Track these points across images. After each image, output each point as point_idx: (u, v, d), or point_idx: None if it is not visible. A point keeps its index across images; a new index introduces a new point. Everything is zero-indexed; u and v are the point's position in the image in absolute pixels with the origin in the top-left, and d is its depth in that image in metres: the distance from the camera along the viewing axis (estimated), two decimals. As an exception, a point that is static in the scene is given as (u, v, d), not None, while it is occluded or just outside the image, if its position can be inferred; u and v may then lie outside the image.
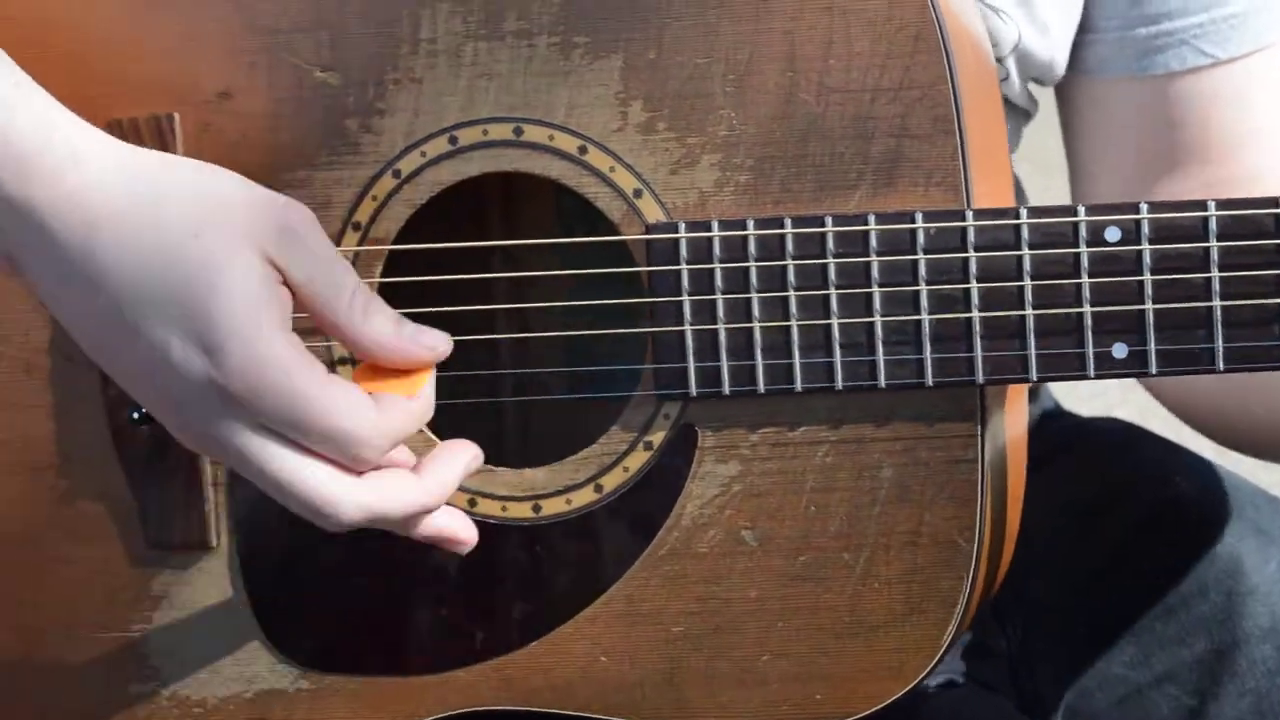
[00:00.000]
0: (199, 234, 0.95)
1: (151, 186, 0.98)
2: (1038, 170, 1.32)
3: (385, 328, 0.98)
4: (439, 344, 0.99)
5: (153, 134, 1.10)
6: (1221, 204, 1.00)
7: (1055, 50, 1.26)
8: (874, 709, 1.08)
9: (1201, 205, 1.00)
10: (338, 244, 1.09)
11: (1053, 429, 1.41)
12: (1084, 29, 1.27)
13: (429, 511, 1.00)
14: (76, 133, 0.99)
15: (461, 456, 1.02)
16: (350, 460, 0.95)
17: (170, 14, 1.11)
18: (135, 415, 1.11)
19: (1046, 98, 1.36)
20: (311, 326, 0.98)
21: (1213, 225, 0.99)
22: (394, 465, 0.98)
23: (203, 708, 1.15)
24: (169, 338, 0.94)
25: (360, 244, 1.09)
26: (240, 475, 1.04)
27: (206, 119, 1.10)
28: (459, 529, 1.02)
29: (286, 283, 0.96)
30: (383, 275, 1.09)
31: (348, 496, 0.96)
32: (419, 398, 0.98)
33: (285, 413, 0.94)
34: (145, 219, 0.96)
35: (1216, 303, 1.00)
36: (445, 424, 1.10)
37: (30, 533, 1.16)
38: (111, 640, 1.16)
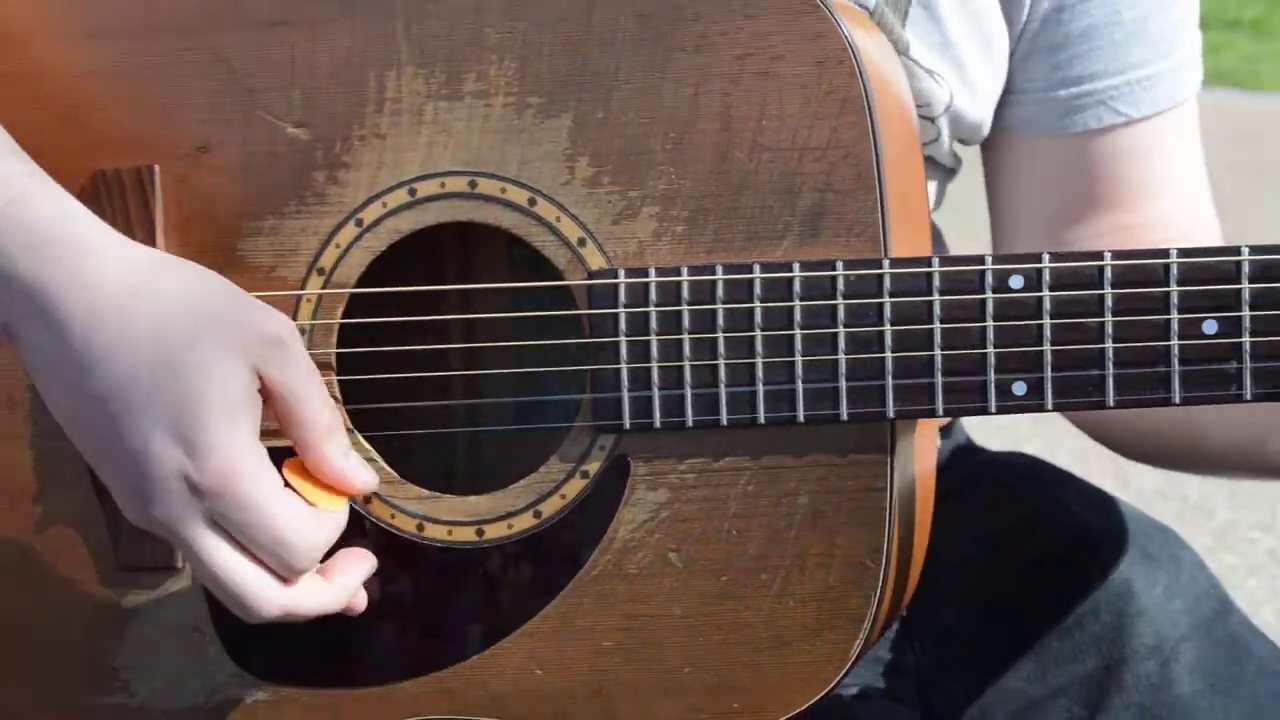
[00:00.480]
0: (194, 344, 0.97)
1: (155, 288, 1.00)
2: (960, 220, 1.33)
3: (339, 454, 1.02)
4: (370, 485, 1.05)
5: (134, 185, 1.10)
6: (1116, 254, 1.01)
7: (983, 110, 1.27)
8: (786, 717, 1.08)
9: (1099, 255, 1.01)
10: (302, 287, 1.09)
11: (964, 463, 1.42)
12: (1009, 90, 1.29)
13: (332, 612, 1.04)
14: (92, 225, 1.02)
15: (364, 563, 1.07)
16: (283, 567, 0.99)
17: (153, 73, 1.11)
18: None
19: (968, 155, 1.37)
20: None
21: (1108, 274, 1.01)
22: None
23: (168, 716, 1.14)
24: (152, 430, 0.97)
25: (324, 287, 1.09)
26: None
27: (184, 172, 1.10)
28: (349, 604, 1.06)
29: (266, 389, 0.99)
30: (344, 316, 1.09)
31: (272, 599, 1.00)
32: (343, 513, 1.03)
33: (243, 516, 0.98)
34: (146, 320, 0.98)
35: (1109, 345, 1.01)
36: (399, 453, 1.11)
37: (7, 555, 1.15)
38: (84, 654, 1.15)
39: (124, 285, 0.99)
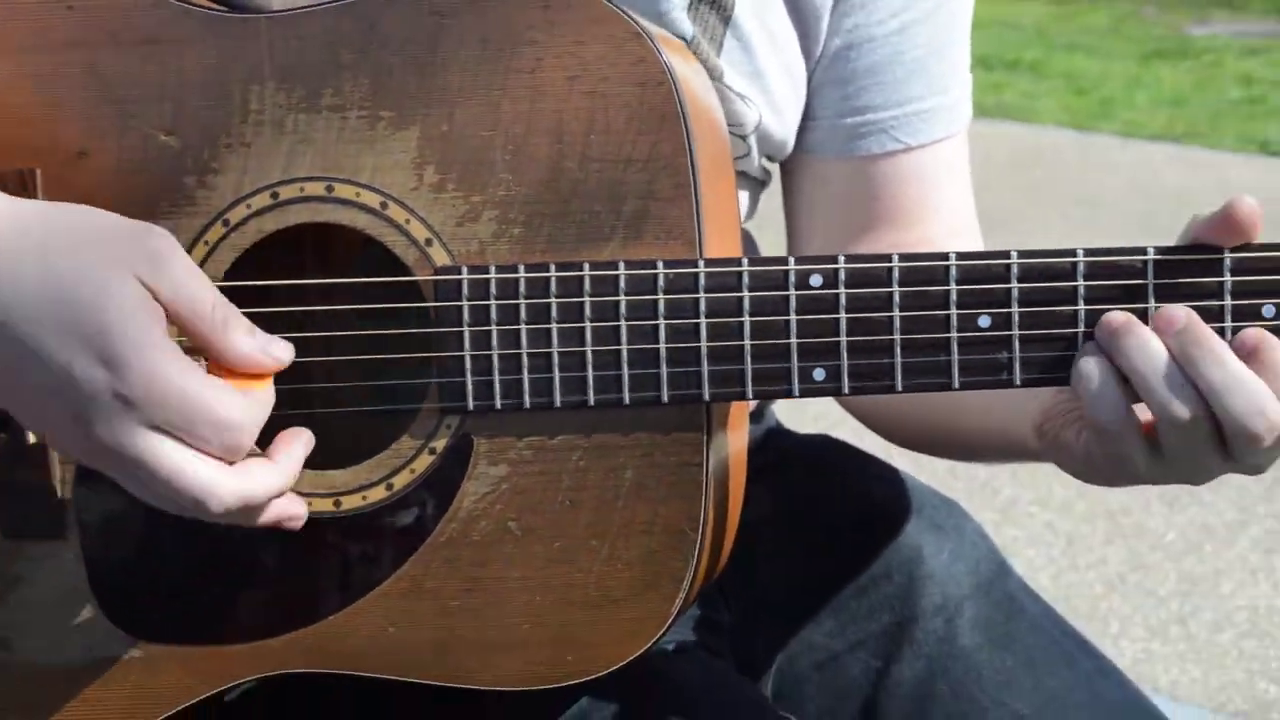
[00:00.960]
0: (81, 267, 0.95)
1: (38, 226, 0.98)
2: (770, 227, 1.36)
3: (244, 338, 1.00)
4: (284, 355, 1.02)
5: (16, 186, 1.08)
6: (903, 256, 1.04)
7: (788, 131, 1.29)
8: (615, 667, 1.10)
9: (888, 258, 1.04)
10: None
11: (774, 444, 1.44)
12: (806, 116, 1.31)
13: (283, 492, 1.02)
14: None
15: (302, 438, 1.04)
16: (227, 449, 0.97)
17: (36, 85, 1.10)
18: None
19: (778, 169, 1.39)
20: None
21: (896, 274, 1.04)
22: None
23: (50, 674, 1.13)
24: (71, 357, 0.94)
25: None
26: (87, 477, 1.06)
27: (64, 175, 1.09)
28: (296, 509, 1.04)
29: (157, 299, 0.96)
30: None
31: (225, 484, 0.97)
32: (269, 389, 1.01)
33: (178, 409, 0.95)
34: (33, 255, 0.96)
35: (897, 336, 1.04)
36: (264, 434, 1.11)
37: None
38: None
39: (9, 232, 0.97)
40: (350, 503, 1.10)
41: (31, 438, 1.10)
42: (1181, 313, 0.99)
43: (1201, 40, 11.15)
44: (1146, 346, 0.99)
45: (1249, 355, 0.99)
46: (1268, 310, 1.02)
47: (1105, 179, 7.21)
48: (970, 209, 1.36)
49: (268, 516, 1.02)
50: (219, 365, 1.00)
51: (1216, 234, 1.02)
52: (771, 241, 1.34)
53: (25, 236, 0.97)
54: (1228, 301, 1.02)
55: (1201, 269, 1.02)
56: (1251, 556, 3.77)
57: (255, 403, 0.99)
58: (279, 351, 1.02)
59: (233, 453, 0.97)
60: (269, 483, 1.00)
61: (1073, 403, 1.06)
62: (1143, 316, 1.02)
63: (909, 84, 1.29)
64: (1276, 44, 11.00)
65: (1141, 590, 3.60)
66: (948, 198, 1.33)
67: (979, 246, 1.33)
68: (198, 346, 0.99)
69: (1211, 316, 1.01)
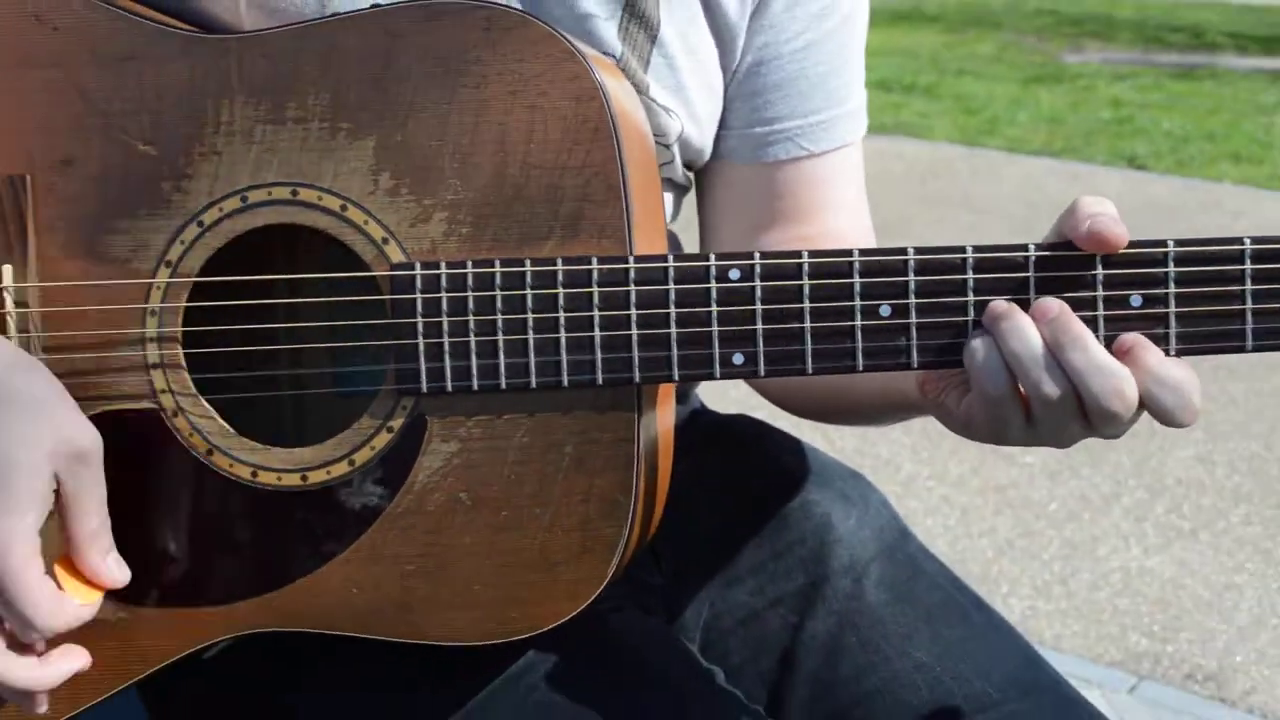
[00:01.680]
0: (15, 441, 0.99)
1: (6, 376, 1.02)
2: (692, 229, 1.36)
3: (99, 554, 1.04)
4: (123, 579, 1.05)
5: (8, 190, 1.09)
6: (812, 253, 1.04)
7: (706, 140, 1.29)
8: (555, 624, 1.09)
9: (799, 254, 1.04)
10: (153, 276, 1.09)
11: (699, 423, 1.43)
12: (720, 126, 1.30)
13: (31, 693, 1.04)
14: None
15: (78, 659, 1.07)
16: (21, 632, 1.01)
17: (24, 97, 1.09)
18: None
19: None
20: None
21: (805, 268, 1.03)
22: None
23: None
24: None
25: (171, 276, 1.08)
26: None
27: (52, 181, 1.09)
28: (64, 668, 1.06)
29: (58, 491, 1.00)
30: (188, 301, 1.09)
31: (16, 675, 1.02)
32: (92, 607, 1.04)
33: (3, 586, 0.98)
34: None
35: (808, 324, 1.04)
36: (242, 414, 1.11)
37: None
38: None
39: None
40: (316, 477, 1.09)
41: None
42: (1055, 304, 1.00)
43: (1076, 67, 11.26)
44: (1023, 332, 1.00)
45: (1125, 354, 1.00)
46: (1135, 300, 1.02)
47: (992, 189, 7.27)
48: (864, 207, 1.36)
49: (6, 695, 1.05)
50: (69, 562, 1.04)
51: (1077, 231, 1.02)
52: (694, 242, 1.33)
53: None
54: (1099, 292, 1.02)
55: (1078, 264, 1.02)
56: (1123, 524, 3.80)
57: (63, 612, 1.02)
58: (116, 577, 1.05)
59: (17, 640, 1.01)
60: (27, 676, 1.03)
61: (956, 372, 1.06)
62: (1025, 306, 1.02)
63: (812, 97, 1.29)
64: (1142, 70, 11.12)
65: (1027, 555, 3.63)
66: (846, 197, 1.33)
67: (872, 240, 1.34)
68: (66, 539, 1.03)
69: (1086, 305, 1.02)
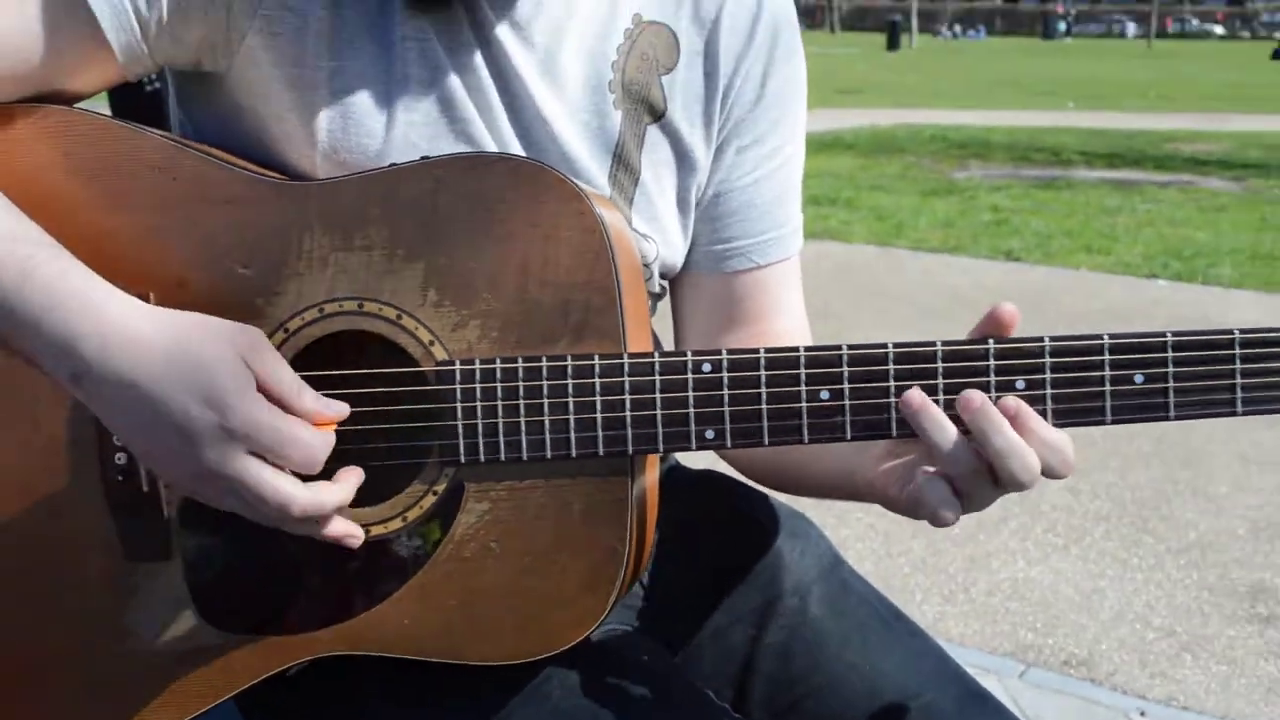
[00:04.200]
0: (205, 344, 0.97)
1: (168, 319, 0.99)
2: (660, 320, 1.35)
3: (311, 400, 1.00)
4: (342, 409, 1.02)
5: None
6: (768, 350, 1.04)
7: (677, 258, 1.28)
8: (569, 646, 1.09)
9: (756, 351, 1.04)
10: None
11: (676, 478, 1.41)
12: (689, 244, 1.30)
13: (341, 506, 1.01)
14: (92, 280, 1.00)
15: (356, 472, 1.04)
16: (305, 463, 0.97)
17: (150, 231, 1.08)
18: (120, 462, 1.07)
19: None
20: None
21: (762, 361, 1.03)
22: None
23: (149, 658, 1.11)
24: (187, 405, 0.95)
25: None
26: (188, 512, 1.04)
27: (169, 297, 1.07)
28: (355, 529, 1.03)
29: (250, 368, 0.97)
30: None
31: (301, 495, 0.97)
32: (331, 436, 1.01)
33: (270, 436, 0.96)
34: (164, 337, 0.97)
35: (764, 406, 1.04)
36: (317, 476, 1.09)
37: (33, 553, 1.10)
38: (93, 624, 1.11)
39: (151, 328, 0.97)
40: (377, 531, 1.08)
41: (146, 486, 1.07)
42: (978, 397, 1.00)
43: (962, 182, 11.33)
44: (942, 425, 1.00)
45: (1013, 418, 0.99)
46: (1019, 384, 1.02)
47: (900, 280, 7.29)
48: (802, 307, 1.35)
49: (332, 530, 1.01)
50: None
51: (987, 328, 1.03)
52: (665, 329, 1.32)
53: (158, 327, 0.98)
54: (992, 378, 1.02)
55: (975, 355, 1.02)
56: (1011, 542, 3.79)
57: (323, 432, 0.99)
58: (338, 407, 1.02)
59: (309, 467, 0.97)
60: (332, 497, 1.00)
61: (899, 471, 1.06)
62: (934, 391, 1.01)
63: (760, 221, 1.28)
64: (1014, 183, 11.19)
65: (936, 570, 3.61)
66: (789, 301, 1.32)
67: (809, 335, 1.33)
68: (279, 405, 0.99)
69: (981, 388, 1.01)
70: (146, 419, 0.96)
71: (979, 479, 1.00)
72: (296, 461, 0.97)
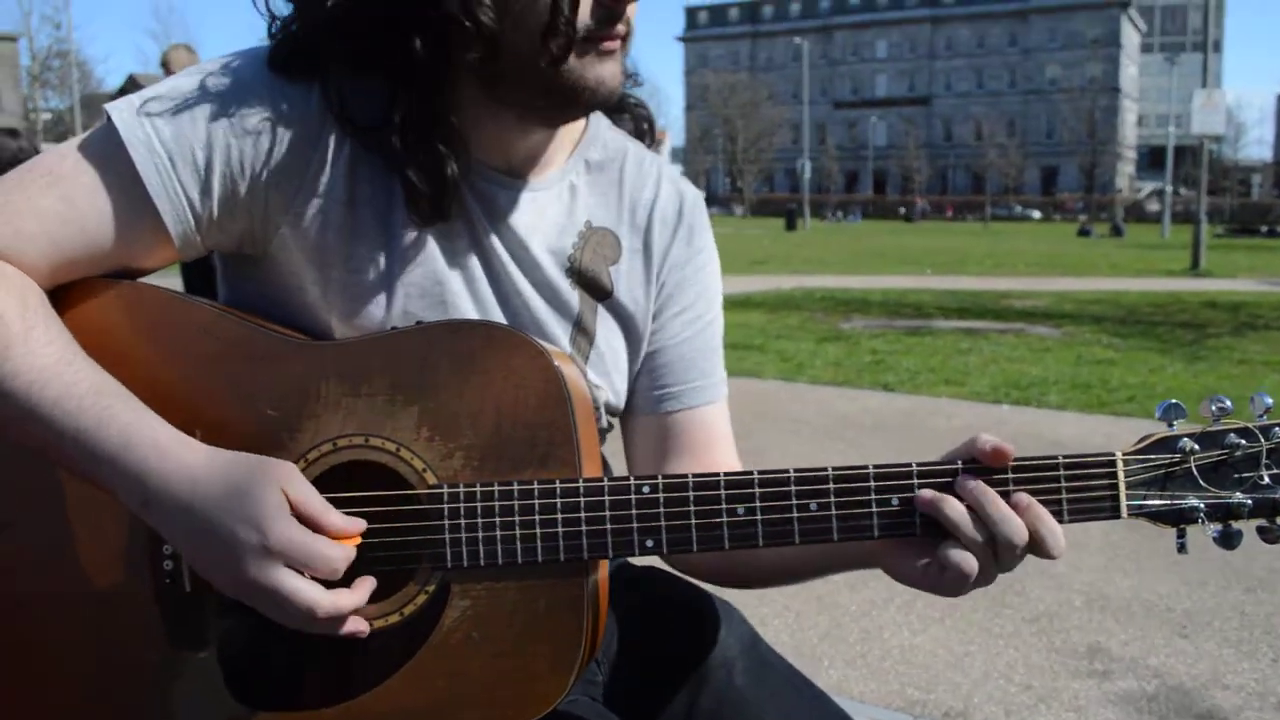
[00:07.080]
0: (251, 477, 0.96)
1: (220, 462, 0.97)
2: (618, 456, 1.32)
3: (337, 518, 0.98)
4: (361, 526, 1.00)
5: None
6: (695, 475, 1.02)
7: (621, 402, 1.27)
8: (538, 715, 1.04)
9: (685, 476, 1.02)
10: None
11: (623, 574, 1.37)
12: (630, 391, 1.28)
13: (356, 609, 0.98)
14: (159, 426, 0.99)
15: (369, 581, 1.01)
16: (329, 574, 0.95)
17: (193, 382, 1.06)
18: (168, 568, 1.03)
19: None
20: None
21: (691, 484, 1.01)
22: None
23: None
24: (235, 527, 0.93)
25: None
26: (225, 612, 0.99)
27: (213, 433, 1.03)
28: (363, 626, 1.00)
29: (287, 497, 0.95)
30: None
31: (324, 599, 0.95)
32: (351, 551, 0.98)
33: (301, 552, 0.94)
34: (218, 473, 0.96)
35: (693, 521, 1.02)
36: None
37: (89, 634, 1.05)
38: (140, 697, 1.05)
39: (206, 467, 0.96)
40: (378, 624, 1.04)
41: (188, 585, 1.03)
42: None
43: (848, 331, 11.49)
44: (955, 505, 1.00)
45: (1023, 510, 0.99)
46: (894, 501, 1.01)
47: (801, 408, 7.31)
48: (730, 439, 1.33)
49: (346, 628, 0.98)
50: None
51: (965, 454, 1.02)
52: (612, 452, 1.30)
53: (210, 462, 0.97)
54: (873, 495, 1.01)
55: (858, 477, 1.01)
56: (898, 617, 3.72)
57: (343, 548, 0.97)
58: (358, 525, 1.00)
59: (332, 576, 0.95)
60: (349, 602, 0.97)
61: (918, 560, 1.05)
62: (828, 506, 1.00)
63: (690, 371, 1.28)
64: (889, 331, 11.36)
65: (838, 640, 3.53)
66: (718, 435, 1.30)
67: (736, 462, 1.31)
68: (308, 524, 0.97)
69: (862, 505, 1.00)
70: (202, 538, 0.95)
71: (985, 553, 1.00)
72: (323, 573, 0.95)
